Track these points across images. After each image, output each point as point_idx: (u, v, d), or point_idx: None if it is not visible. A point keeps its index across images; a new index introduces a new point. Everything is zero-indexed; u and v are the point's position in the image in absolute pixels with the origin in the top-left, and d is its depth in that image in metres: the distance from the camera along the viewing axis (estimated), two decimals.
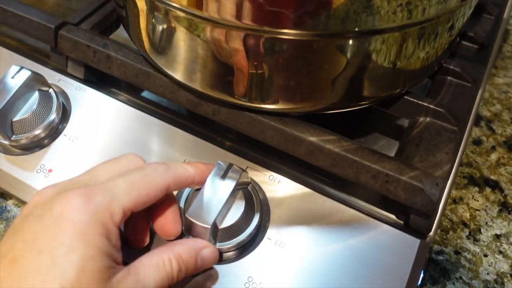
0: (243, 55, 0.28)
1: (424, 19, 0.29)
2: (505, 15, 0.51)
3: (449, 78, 0.38)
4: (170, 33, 0.31)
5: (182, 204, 0.32)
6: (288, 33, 0.27)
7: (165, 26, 0.31)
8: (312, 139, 0.32)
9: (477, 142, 0.42)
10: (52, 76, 0.40)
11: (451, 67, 0.38)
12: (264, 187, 0.34)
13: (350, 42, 0.28)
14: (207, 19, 0.28)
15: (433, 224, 0.32)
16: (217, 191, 0.30)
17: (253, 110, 0.33)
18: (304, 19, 0.26)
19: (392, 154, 0.35)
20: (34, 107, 0.36)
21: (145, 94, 0.41)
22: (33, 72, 0.36)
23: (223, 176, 0.30)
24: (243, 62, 0.29)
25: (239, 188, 0.31)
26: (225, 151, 0.35)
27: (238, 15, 0.26)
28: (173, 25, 0.30)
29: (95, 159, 0.36)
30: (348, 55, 0.28)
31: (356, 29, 0.27)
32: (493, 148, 0.42)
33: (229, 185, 0.30)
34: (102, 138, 0.37)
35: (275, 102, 0.32)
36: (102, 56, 0.37)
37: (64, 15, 0.42)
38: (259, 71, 0.29)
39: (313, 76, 0.30)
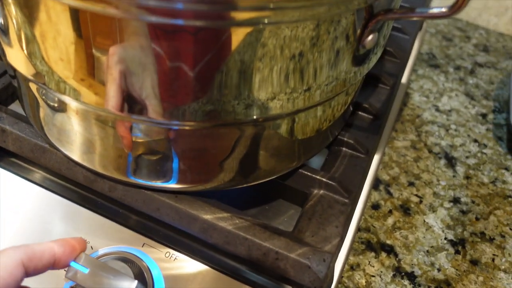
0: (129, 141, 0.29)
1: (313, 103, 0.31)
2: (404, 80, 0.55)
3: (343, 149, 0.40)
4: (60, 115, 0.31)
5: None
6: (169, 123, 0.27)
7: (55, 108, 0.31)
8: (206, 217, 0.33)
9: (376, 206, 0.45)
10: None
11: (345, 138, 0.40)
12: (161, 264, 0.34)
13: (238, 130, 0.29)
14: (94, 109, 0.28)
15: None
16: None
17: (149, 188, 0.33)
18: (189, 111, 0.27)
19: None
20: None
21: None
22: None
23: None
24: (130, 147, 0.29)
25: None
26: (122, 227, 0.35)
27: (124, 108, 0.27)
28: (63, 108, 0.30)
29: None
30: (235, 141, 0.30)
31: (246, 118, 0.28)
32: (390, 212, 0.44)
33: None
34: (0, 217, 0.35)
35: (168, 181, 0.32)
36: None
37: None
38: (148, 154, 0.30)
39: (202, 159, 0.31)
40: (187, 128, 0.28)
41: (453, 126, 0.55)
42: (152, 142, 0.29)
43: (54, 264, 0.27)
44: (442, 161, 0.50)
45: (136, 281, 0.29)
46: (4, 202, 0.36)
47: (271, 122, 0.30)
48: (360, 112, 0.45)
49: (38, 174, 0.39)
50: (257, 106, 0.28)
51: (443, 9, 0.25)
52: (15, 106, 0.41)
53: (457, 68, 0.63)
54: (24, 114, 0.38)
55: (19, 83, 0.34)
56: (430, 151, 0.51)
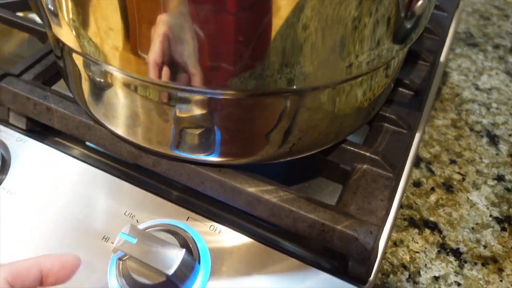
0: (177, 112, 0.29)
1: (358, 73, 0.30)
2: (442, 59, 0.53)
3: (385, 124, 0.40)
4: (106, 89, 0.31)
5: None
6: (219, 93, 0.27)
7: (101, 82, 0.31)
8: (251, 189, 0.33)
9: (417, 184, 0.44)
10: None
11: (387, 114, 0.40)
12: (206, 237, 0.34)
13: (283, 99, 0.29)
14: (140, 79, 0.28)
15: (372, 270, 0.33)
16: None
17: (193, 162, 0.34)
18: (234, 80, 0.26)
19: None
20: None
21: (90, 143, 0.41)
22: None
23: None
24: (178, 119, 0.30)
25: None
26: (165, 201, 0.35)
27: (169, 76, 0.27)
28: (108, 81, 0.30)
29: (34, 214, 0.35)
30: (279, 112, 0.29)
31: (289, 87, 0.28)
32: (432, 189, 0.43)
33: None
34: (43, 192, 0.36)
35: (211, 154, 0.32)
36: (42, 108, 0.37)
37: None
38: (191, 127, 0.30)
39: (248, 131, 0.30)
40: (230, 97, 0.28)
41: (494, 105, 0.53)
42: (196, 114, 0.29)
43: (42, 281, 0.26)
44: (484, 139, 0.49)
45: (184, 250, 0.29)
46: (49, 178, 0.37)
47: (315, 92, 0.30)
48: (400, 88, 0.44)
49: (81, 151, 0.39)
50: (302, 75, 0.27)
51: None
52: (57, 87, 0.42)
53: (496, 46, 0.61)
54: (68, 94, 0.38)
55: (64, 61, 0.34)
56: (471, 130, 0.50)
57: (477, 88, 0.55)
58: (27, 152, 0.38)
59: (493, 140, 0.49)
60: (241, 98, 0.28)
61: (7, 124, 0.40)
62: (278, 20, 0.24)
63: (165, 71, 0.27)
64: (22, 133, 0.39)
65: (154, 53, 0.26)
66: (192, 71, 0.26)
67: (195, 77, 0.26)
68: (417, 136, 0.42)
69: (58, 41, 0.32)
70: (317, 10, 0.24)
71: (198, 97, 0.28)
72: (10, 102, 0.38)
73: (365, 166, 0.36)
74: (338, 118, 0.33)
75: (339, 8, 0.25)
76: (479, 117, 0.52)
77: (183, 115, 0.30)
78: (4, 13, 0.46)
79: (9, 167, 0.37)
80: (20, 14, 0.48)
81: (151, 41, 0.26)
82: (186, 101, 0.29)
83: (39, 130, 0.40)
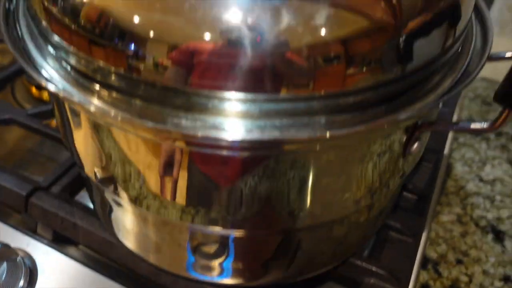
0: (193, 241, 0.32)
1: (366, 204, 0.33)
2: (446, 151, 0.56)
3: (390, 233, 0.42)
4: (126, 217, 0.34)
5: None
6: (234, 231, 0.30)
7: (122, 211, 0.34)
8: None
9: (425, 287, 0.45)
10: (21, 240, 0.42)
11: (392, 222, 0.42)
12: None
13: (291, 234, 0.31)
14: (161, 216, 0.31)
15: None
16: None
17: (208, 283, 0.36)
18: (247, 223, 0.29)
19: None
20: (2, 279, 0.38)
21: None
22: (2, 244, 0.39)
23: None
24: (194, 247, 0.32)
25: None
26: None
27: (191, 219, 0.29)
28: (129, 211, 0.33)
29: None
30: (289, 244, 0.32)
31: (297, 226, 0.30)
32: None
33: None
34: None
35: (226, 276, 0.34)
36: (69, 224, 0.40)
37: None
38: (206, 256, 0.33)
39: (258, 259, 0.33)
40: (239, 235, 0.31)
41: (498, 197, 0.55)
42: (210, 245, 0.32)
43: None
44: (490, 236, 0.50)
45: None
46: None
47: (322, 226, 0.32)
48: (405, 193, 0.46)
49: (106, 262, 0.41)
50: (306, 215, 0.30)
51: (484, 125, 0.27)
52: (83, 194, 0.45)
53: (498, 134, 0.64)
54: (91, 206, 0.41)
55: (90, 183, 0.37)
56: (476, 225, 0.51)
57: (481, 180, 0.57)
58: (53, 265, 0.41)
59: (498, 236, 0.50)
60: (249, 236, 0.31)
61: (34, 233, 0.43)
62: (279, 174, 0.27)
63: (181, 213, 0.29)
64: (49, 245, 0.42)
65: (169, 198, 0.29)
66: (213, 216, 0.29)
67: (214, 221, 0.29)
68: (423, 237, 0.44)
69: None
70: (325, 164, 0.27)
71: (211, 234, 0.31)
72: (39, 217, 0.41)
73: (372, 281, 0.38)
74: (345, 242, 0.35)
75: (346, 161, 0.28)
76: (484, 211, 0.53)
77: (198, 244, 0.32)
78: (33, 122, 0.50)
79: (36, 280, 0.40)
80: (47, 122, 0.52)
81: (166, 188, 0.28)
82: (201, 235, 0.31)
83: (65, 239, 0.43)
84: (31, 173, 0.51)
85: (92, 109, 0.25)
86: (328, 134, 0.24)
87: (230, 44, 0.23)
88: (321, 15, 0.24)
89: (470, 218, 0.52)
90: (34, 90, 0.59)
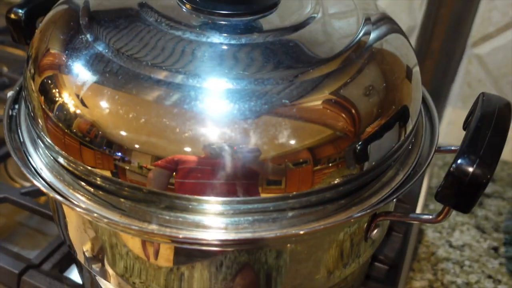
0: None
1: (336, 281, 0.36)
2: (418, 209, 0.60)
3: None
4: None
5: None
6: None
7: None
8: None
9: None
10: None
11: None
12: None
13: None
14: None
15: None
16: None
17: None
18: None
19: None
20: None
21: None
22: None
23: None
24: None
25: None
26: None
27: None
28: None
29: None
30: None
31: None
32: None
33: None
34: None
35: None
36: None
37: None
38: None
39: None
40: None
41: (467, 262, 0.58)
42: None
43: None
44: None
45: None
46: None
47: None
48: (376, 263, 0.49)
49: None
50: None
51: (431, 216, 0.31)
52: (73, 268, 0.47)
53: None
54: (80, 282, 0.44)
55: (80, 263, 0.40)
56: None
57: (451, 245, 0.61)
58: None
59: None
60: None
61: None
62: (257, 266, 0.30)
63: None
64: None
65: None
66: None
67: None
68: None
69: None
70: (294, 253, 0.31)
71: None
72: None
73: None
74: None
75: (314, 249, 0.31)
76: (454, 276, 0.56)
77: None
78: (26, 200, 0.52)
79: None
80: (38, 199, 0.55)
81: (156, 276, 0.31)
82: None
83: None
84: (22, 247, 0.54)
85: (79, 210, 0.29)
86: (292, 232, 0.27)
87: (208, 157, 0.26)
88: (289, 127, 0.28)
89: (441, 283, 0.56)
90: None
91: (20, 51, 0.86)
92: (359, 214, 0.29)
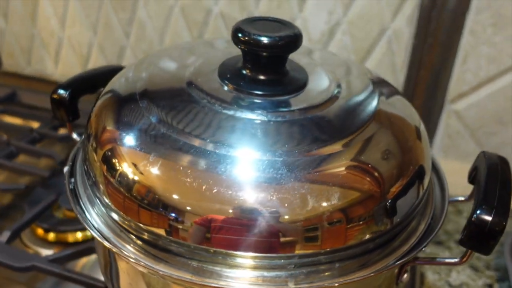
0: None
1: None
2: None
3: None
4: None
5: None
6: None
7: None
8: None
9: None
10: None
11: None
12: None
13: None
14: None
15: None
16: None
17: None
18: None
19: None
20: None
21: None
22: None
23: None
24: None
25: None
26: None
27: None
28: None
29: None
30: None
31: None
32: None
33: None
34: None
35: None
36: None
37: None
38: None
39: None
40: None
41: None
42: None
43: None
44: None
45: None
46: None
47: None
48: None
49: None
50: None
51: (456, 259, 0.36)
52: None
53: (457, 242, 0.74)
54: None
55: None
56: None
57: (450, 285, 0.66)
58: None
59: None
60: None
61: None
62: None
63: None
64: None
65: None
66: None
67: None
68: None
69: None
70: None
71: None
72: None
73: None
74: None
75: None
76: None
77: None
78: (54, 267, 0.54)
79: None
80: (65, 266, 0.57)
81: None
82: None
83: None
84: None
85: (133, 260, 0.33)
86: (341, 280, 0.32)
87: (248, 218, 0.31)
88: (321, 191, 0.33)
89: None
90: (39, 231, 0.64)
91: (19, 119, 0.90)
92: (399, 262, 0.33)
